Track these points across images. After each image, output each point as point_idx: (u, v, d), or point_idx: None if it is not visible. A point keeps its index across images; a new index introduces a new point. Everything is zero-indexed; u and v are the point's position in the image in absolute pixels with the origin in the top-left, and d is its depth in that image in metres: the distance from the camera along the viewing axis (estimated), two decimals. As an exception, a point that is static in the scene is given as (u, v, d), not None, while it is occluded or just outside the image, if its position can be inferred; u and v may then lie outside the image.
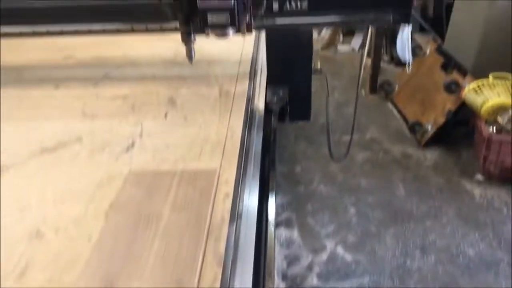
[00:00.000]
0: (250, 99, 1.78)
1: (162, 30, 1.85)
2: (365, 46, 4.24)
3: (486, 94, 2.58)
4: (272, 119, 1.80)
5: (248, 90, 1.82)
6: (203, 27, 1.59)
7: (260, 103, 1.81)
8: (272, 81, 1.94)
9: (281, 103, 1.84)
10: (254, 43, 2.21)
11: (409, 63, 2.08)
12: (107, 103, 1.76)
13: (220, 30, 1.63)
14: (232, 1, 1.48)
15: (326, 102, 2.09)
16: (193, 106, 1.73)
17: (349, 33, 4.58)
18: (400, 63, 4.03)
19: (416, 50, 3.20)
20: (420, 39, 3.70)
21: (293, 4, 1.77)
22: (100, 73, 1.99)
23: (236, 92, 1.81)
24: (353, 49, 4.50)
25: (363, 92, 3.70)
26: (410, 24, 1.86)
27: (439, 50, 3.28)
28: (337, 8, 1.77)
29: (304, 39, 1.86)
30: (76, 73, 2.01)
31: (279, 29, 1.82)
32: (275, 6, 1.78)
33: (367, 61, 3.79)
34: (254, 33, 2.26)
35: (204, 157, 1.43)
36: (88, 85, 1.89)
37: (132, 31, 1.84)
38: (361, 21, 1.80)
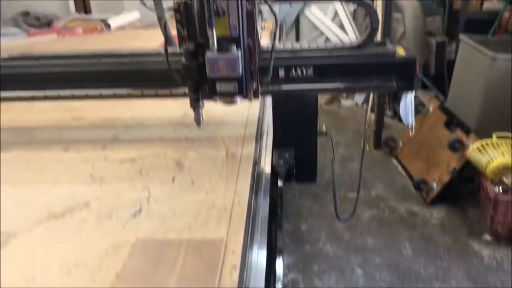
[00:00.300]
0: (256, 162, 1.79)
1: (172, 95, 1.90)
2: (368, 101, 4.31)
3: (491, 154, 2.59)
4: (279, 182, 1.81)
5: (254, 153, 1.84)
6: (211, 95, 1.63)
7: (266, 166, 1.82)
8: (278, 143, 1.96)
9: (287, 166, 1.85)
10: (260, 105, 2.25)
11: (412, 127, 2.10)
12: (115, 167, 1.78)
13: (228, 97, 1.67)
14: (240, 71, 1.53)
15: (332, 165, 2.11)
16: (200, 170, 1.74)
17: (353, 88, 4.63)
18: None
19: (419, 107, 3.24)
20: (423, 96, 3.76)
21: (298, 71, 1.82)
22: (109, 135, 2.02)
23: (243, 154, 1.83)
24: (356, 104, 4.56)
25: (367, 147, 3.73)
26: (412, 92, 1.90)
27: (442, 108, 3.33)
28: (341, 74, 1.81)
29: (310, 103, 1.90)
30: (86, 135, 2.04)
31: (285, 95, 1.87)
32: (281, 73, 1.83)
33: (370, 116, 3.84)
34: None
35: (211, 225, 1.42)
36: (97, 147, 1.92)
37: (142, 96, 1.90)
38: (365, 87, 1.85)
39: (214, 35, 1.50)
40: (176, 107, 2.23)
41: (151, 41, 3.29)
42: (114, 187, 1.66)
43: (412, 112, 1.95)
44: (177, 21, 1.55)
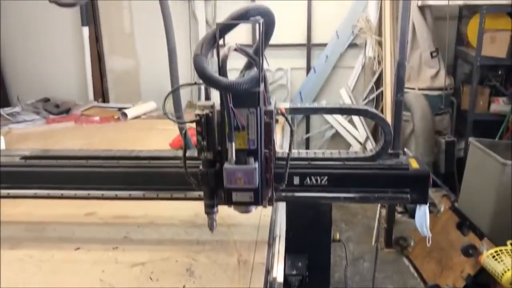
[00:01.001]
0: (268, 271, 1.77)
1: (187, 198, 1.92)
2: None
3: (506, 262, 2.54)
4: (291, 293, 1.77)
5: (266, 261, 1.81)
6: (227, 203, 1.65)
7: (278, 276, 1.79)
8: (290, 250, 1.94)
9: (300, 275, 1.82)
10: (273, 208, 2.25)
11: (428, 238, 2.09)
12: (125, 271, 1.75)
13: (244, 206, 1.69)
14: (257, 183, 1.55)
15: (344, 274, 2.07)
16: (211, 277, 1.71)
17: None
18: (414, 215, 4.03)
19: (430, 207, 3.22)
20: (433, 194, 3.76)
21: (313, 179, 1.84)
22: (121, 234, 2.01)
23: (255, 262, 1.81)
24: (366, 198, 4.55)
25: (378, 245, 3.67)
26: (427, 204, 1.92)
27: (454, 209, 3.31)
28: (356, 185, 1.83)
29: (324, 211, 1.90)
30: (97, 233, 2.03)
31: (299, 203, 1.87)
32: (296, 180, 1.85)
33: (381, 211, 3.82)
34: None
35: None
36: (108, 247, 1.91)
37: (157, 198, 1.91)
38: (379, 198, 1.86)
39: (233, 148, 1.54)
40: (188, 206, 2.23)
41: (166, 131, 3.36)
42: (123, 294, 1.63)
43: (427, 223, 1.95)
44: (198, 133, 1.60)
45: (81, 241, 1.94)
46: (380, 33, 4.42)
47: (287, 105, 1.81)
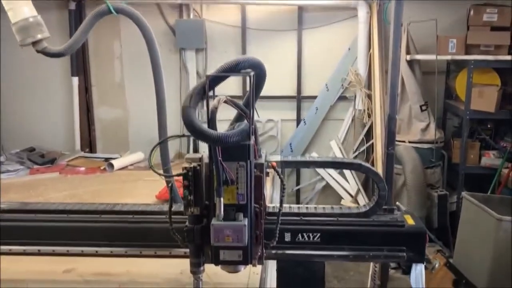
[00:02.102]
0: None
1: (171, 256, 1.81)
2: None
3: (506, 324, 2.43)
4: None
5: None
6: (214, 262, 1.55)
7: None
8: (281, 314, 1.82)
9: None
10: (263, 266, 2.15)
11: (425, 300, 1.99)
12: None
13: (232, 266, 1.59)
14: (246, 241, 1.46)
15: None
16: None
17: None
18: (408, 272, 3.91)
19: (425, 263, 3.12)
20: (427, 250, 3.65)
21: (305, 236, 1.75)
22: (100, 295, 1.90)
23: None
24: (358, 252, 4.43)
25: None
26: (424, 263, 1.83)
27: (449, 265, 3.21)
28: (350, 242, 1.75)
29: (317, 269, 1.80)
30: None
31: (291, 260, 1.78)
32: (288, 237, 1.77)
33: (374, 267, 3.71)
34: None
35: None
36: (85, 310, 1.79)
37: (141, 255, 1.81)
38: (374, 257, 1.77)
39: (221, 204, 1.46)
40: (174, 263, 2.12)
41: (152, 183, 3.27)
42: None
43: (423, 283, 1.85)
44: (185, 187, 1.53)
45: (57, 303, 1.82)
46: (369, 86, 4.46)
47: (278, 158, 1.75)
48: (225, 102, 1.48)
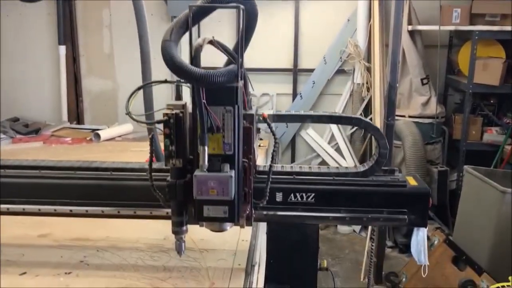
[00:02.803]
0: (245, 303, 1.51)
1: (152, 216, 1.67)
2: (367, 228, 4.08)
3: (509, 299, 2.31)
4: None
5: (242, 291, 1.56)
6: (197, 219, 1.40)
7: (256, 308, 1.54)
8: (271, 279, 1.68)
9: (281, 309, 1.56)
10: (252, 230, 2.01)
11: (425, 267, 1.85)
12: (75, 301, 1.49)
13: (217, 224, 1.45)
14: (233, 194, 1.32)
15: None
16: (176, 310, 1.45)
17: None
18: (405, 250, 3.82)
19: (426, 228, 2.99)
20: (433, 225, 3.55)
21: (298, 196, 1.61)
22: (77, 258, 1.75)
23: (229, 292, 1.55)
24: (354, 231, 4.32)
25: (367, 280, 3.41)
26: (426, 227, 1.69)
27: (449, 242, 3.09)
28: (347, 204, 1.61)
29: (310, 234, 1.66)
30: (50, 257, 1.76)
31: (282, 223, 1.64)
32: (279, 197, 1.62)
33: (369, 246, 3.59)
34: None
35: None
36: (60, 272, 1.64)
37: (118, 215, 1.66)
38: (373, 219, 1.63)
39: (205, 153, 1.32)
40: (157, 228, 1.97)
41: (140, 153, 3.13)
42: (68, 329, 1.37)
43: (425, 250, 1.72)
44: (166, 136, 1.38)
45: (29, 265, 1.68)
46: (369, 59, 4.30)
47: (270, 111, 1.61)
48: (211, 42, 1.33)
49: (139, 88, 1.46)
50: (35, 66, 4.56)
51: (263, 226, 1.98)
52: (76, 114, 4.61)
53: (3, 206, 1.66)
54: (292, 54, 4.57)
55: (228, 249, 1.89)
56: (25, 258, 1.74)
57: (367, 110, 4.40)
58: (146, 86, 1.54)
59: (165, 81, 1.49)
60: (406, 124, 3.93)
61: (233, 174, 1.32)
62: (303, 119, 1.67)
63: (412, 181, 1.67)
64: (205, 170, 1.31)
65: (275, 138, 1.47)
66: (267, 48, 4.46)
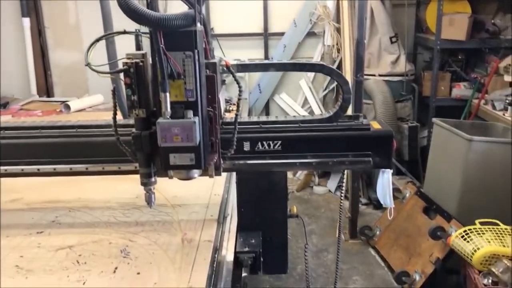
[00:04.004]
0: (217, 249, 1.54)
1: (120, 172, 1.67)
2: (341, 187, 4.14)
3: (476, 242, 2.38)
4: (243, 272, 1.55)
5: (215, 238, 1.59)
6: (165, 168, 1.41)
7: (228, 254, 1.57)
8: (243, 227, 1.72)
9: (253, 253, 1.60)
10: (225, 186, 2.03)
11: (390, 209, 1.91)
12: (48, 255, 1.50)
13: (184, 172, 1.46)
14: (197, 140, 1.32)
15: (304, 254, 1.85)
16: (149, 258, 1.47)
17: (325, 175, 4.51)
18: (379, 206, 3.89)
19: (394, 193, 3.06)
20: (398, 182, 3.62)
21: (265, 144, 1.63)
22: (48, 219, 1.75)
23: (201, 240, 1.58)
24: (329, 191, 4.39)
25: (342, 236, 3.49)
26: (391, 169, 1.73)
27: (420, 194, 3.17)
28: (313, 149, 1.63)
29: (278, 181, 1.69)
30: (21, 219, 1.76)
31: (250, 171, 1.65)
32: (246, 146, 1.64)
33: (344, 204, 3.64)
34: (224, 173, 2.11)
35: (155, 327, 1.15)
36: (32, 232, 1.65)
37: (86, 172, 1.66)
38: (338, 163, 1.66)
39: (167, 99, 1.31)
40: (129, 188, 1.99)
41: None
42: (41, 279, 1.37)
43: (390, 192, 1.76)
44: (127, 85, 1.37)
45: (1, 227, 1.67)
46: (338, 20, 4.29)
47: (234, 62, 1.61)
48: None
49: (98, 40, 1.44)
50: (-1, 40, 4.44)
51: (234, 183, 2.02)
52: (46, 88, 4.51)
53: None
54: (262, 18, 4.53)
55: (200, 203, 1.91)
56: (-5, 221, 1.74)
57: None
58: (107, 37, 1.51)
59: (124, 32, 1.46)
60: (376, 83, 3.97)
61: (196, 120, 1.32)
62: (267, 68, 1.68)
63: (376, 125, 1.70)
64: (168, 117, 1.31)
65: (239, 87, 1.48)
66: (238, 13, 4.42)
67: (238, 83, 1.49)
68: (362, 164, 1.65)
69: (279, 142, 1.62)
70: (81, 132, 1.65)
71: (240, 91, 1.49)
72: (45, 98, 4.16)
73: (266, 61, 1.62)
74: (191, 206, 1.87)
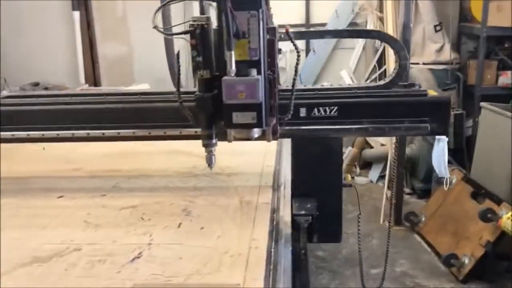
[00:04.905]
0: (274, 210, 1.57)
1: (182, 136, 1.72)
2: (384, 178, 4.12)
3: (529, 222, 2.35)
4: (301, 234, 1.57)
5: (271, 201, 1.63)
6: (227, 125, 1.45)
7: (286, 215, 1.60)
8: (298, 194, 1.74)
9: (309, 216, 1.62)
10: (276, 158, 2.07)
11: (446, 180, 1.90)
12: (114, 213, 1.56)
13: (245, 130, 1.49)
14: (261, 97, 1.36)
15: (357, 223, 1.87)
16: (210, 216, 1.52)
17: (366, 166, 4.49)
18: (422, 195, 3.86)
19: (441, 179, 3.04)
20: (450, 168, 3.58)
21: (321, 110, 1.65)
22: (109, 184, 1.83)
23: (259, 202, 1.62)
24: (371, 181, 4.37)
25: (386, 223, 3.47)
26: (447, 137, 1.73)
27: (467, 179, 3.12)
28: (368, 115, 1.65)
29: (334, 147, 1.71)
30: (84, 184, 1.84)
31: (306, 137, 1.68)
32: (303, 112, 1.67)
33: (387, 193, 3.63)
34: (276, 147, 2.15)
35: (224, 271, 1.19)
36: (96, 195, 1.72)
37: (149, 137, 1.72)
38: (394, 129, 1.67)
39: (232, 57, 1.35)
40: (184, 161, 2.05)
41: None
42: (110, 233, 1.44)
43: (445, 162, 1.77)
44: (192, 47, 1.42)
45: (65, 191, 1.76)
46: (381, 9, 4.28)
47: (291, 29, 1.65)
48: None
49: (165, 4, 1.50)
50: (50, 33, 4.61)
51: (287, 153, 2.05)
52: (93, 79, 4.66)
53: (37, 133, 1.72)
54: (304, 8, 4.56)
55: (253, 172, 1.95)
56: (60, 185, 1.82)
57: (381, 62, 4.40)
58: (173, 3, 1.57)
59: (189, -2, 1.52)
60: (420, 71, 3.94)
61: (260, 78, 1.36)
62: (323, 35, 1.71)
63: (432, 92, 1.71)
64: (232, 75, 1.35)
65: (297, 52, 1.51)
66: (279, 3, 4.46)
67: (296, 48, 1.52)
68: (418, 130, 1.65)
69: (336, 107, 1.64)
70: (144, 98, 1.71)
71: (298, 56, 1.52)
72: (94, 87, 4.30)
73: (322, 29, 1.64)
74: (244, 175, 1.91)
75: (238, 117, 1.42)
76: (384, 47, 4.25)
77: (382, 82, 1.68)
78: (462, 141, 3.98)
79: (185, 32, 1.42)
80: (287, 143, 2.24)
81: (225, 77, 1.36)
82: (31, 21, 4.57)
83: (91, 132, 1.72)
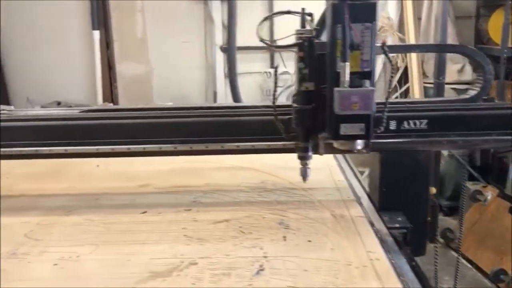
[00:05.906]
0: (372, 223, 1.56)
1: (270, 150, 1.70)
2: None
3: None
4: (402, 246, 1.56)
5: (365, 215, 1.62)
6: (334, 137, 1.44)
7: (382, 228, 1.59)
8: (384, 207, 1.74)
9: (404, 229, 1.62)
10: (341, 171, 2.07)
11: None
12: (209, 227, 1.54)
13: (351, 141, 1.48)
14: (374, 107, 1.37)
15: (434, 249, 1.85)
16: (311, 229, 1.50)
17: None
18: (449, 213, 3.88)
19: (476, 195, 3.07)
20: (473, 187, 3.61)
21: (411, 123, 1.67)
22: (188, 200, 1.79)
23: (352, 215, 1.61)
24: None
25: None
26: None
27: (503, 195, 3.16)
28: (457, 128, 1.67)
29: (423, 160, 1.71)
30: (161, 200, 1.80)
31: (396, 150, 1.69)
32: (393, 125, 1.67)
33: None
34: (335, 162, 2.15)
35: (358, 282, 1.18)
36: (180, 210, 1.68)
37: (237, 151, 1.69)
38: (482, 142, 1.69)
39: (347, 69, 1.37)
40: (252, 176, 2.03)
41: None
42: (217, 246, 1.41)
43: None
44: (300, 58, 1.43)
45: (145, 207, 1.72)
46: (400, 31, 4.36)
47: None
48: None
49: (266, 18, 1.51)
50: (70, 52, 4.58)
51: (347, 170, 2.07)
52: (111, 99, 4.62)
53: (107, 147, 1.67)
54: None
55: (329, 186, 1.94)
56: (137, 201, 1.79)
57: (401, 81, 4.46)
58: (273, 16, 1.58)
59: (288, 12, 1.54)
60: (445, 90, 4.01)
61: (374, 89, 1.37)
62: (409, 49, 1.74)
63: (513, 106, 1.74)
64: (345, 86, 1.36)
65: (391, 65, 1.53)
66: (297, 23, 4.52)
67: (390, 61, 1.54)
68: (506, 143, 1.67)
69: (426, 121, 1.65)
70: (231, 112, 1.70)
71: (392, 69, 1.54)
72: (113, 106, 4.27)
73: (411, 43, 1.67)
74: (321, 189, 1.90)
75: (346, 128, 1.43)
76: (405, 66, 4.32)
77: (466, 96, 1.70)
78: (488, 157, 4.03)
79: (293, 45, 1.43)
80: (341, 158, 2.25)
81: (338, 88, 1.36)
82: (51, 40, 4.53)
83: (179, 146, 1.69)
